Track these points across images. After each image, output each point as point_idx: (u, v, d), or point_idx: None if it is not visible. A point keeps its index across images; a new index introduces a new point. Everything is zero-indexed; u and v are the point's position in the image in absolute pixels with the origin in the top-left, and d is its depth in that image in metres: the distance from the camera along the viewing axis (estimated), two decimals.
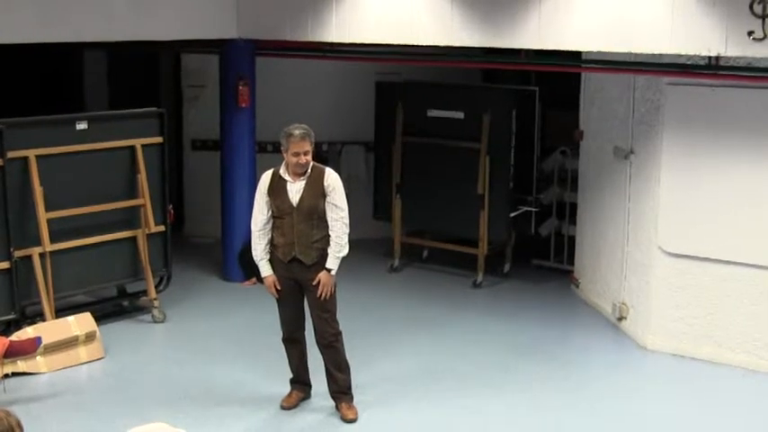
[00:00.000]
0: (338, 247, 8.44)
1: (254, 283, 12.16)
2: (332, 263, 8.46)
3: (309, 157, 8.38)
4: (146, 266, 11.11)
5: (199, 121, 14.59)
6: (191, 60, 14.55)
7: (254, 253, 8.67)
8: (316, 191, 8.39)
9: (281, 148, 8.45)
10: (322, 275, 8.43)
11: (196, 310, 11.62)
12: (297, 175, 8.41)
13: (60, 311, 10.34)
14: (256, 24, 11.81)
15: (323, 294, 8.44)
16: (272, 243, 8.58)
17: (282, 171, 8.48)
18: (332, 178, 8.45)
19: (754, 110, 9.49)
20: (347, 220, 8.47)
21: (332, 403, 8.78)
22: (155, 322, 11.13)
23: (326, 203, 8.41)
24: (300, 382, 8.97)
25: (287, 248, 8.49)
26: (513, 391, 9.42)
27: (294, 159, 8.33)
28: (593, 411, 8.98)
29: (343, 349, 8.70)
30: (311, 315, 8.64)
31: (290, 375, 8.96)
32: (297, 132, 8.31)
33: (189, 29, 11.47)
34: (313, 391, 9.00)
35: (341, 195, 8.46)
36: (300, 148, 8.30)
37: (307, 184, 8.40)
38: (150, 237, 11.15)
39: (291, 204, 8.40)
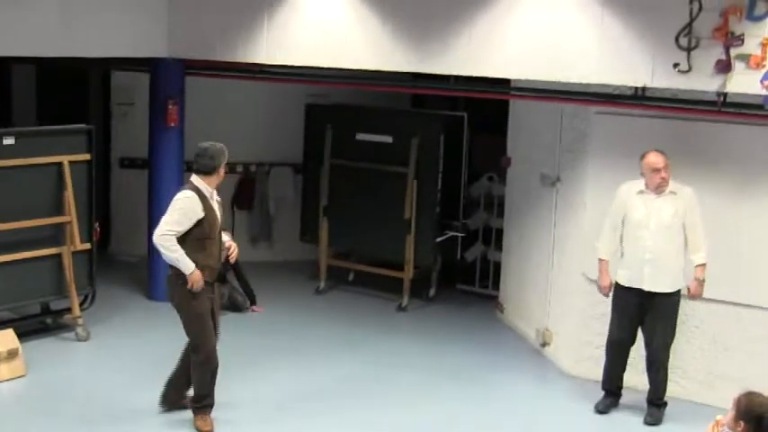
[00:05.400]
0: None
1: (263, 311, 12.33)
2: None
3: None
4: (70, 284, 11.00)
5: (127, 139, 14.52)
6: (120, 78, 14.47)
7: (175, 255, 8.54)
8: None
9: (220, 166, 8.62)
10: None
11: (120, 329, 11.53)
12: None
13: None
14: (187, 44, 11.78)
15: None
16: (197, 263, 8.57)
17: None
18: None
19: (678, 139, 9.63)
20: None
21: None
22: (78, 340, 11.03)
23: None
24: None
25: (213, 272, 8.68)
26: (431, 412, 9.50)
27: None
28: None
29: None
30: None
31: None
32: None
33: (119, 46, 11.42)
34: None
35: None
36: None
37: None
38: (76, 254, 11.04)
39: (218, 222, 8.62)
